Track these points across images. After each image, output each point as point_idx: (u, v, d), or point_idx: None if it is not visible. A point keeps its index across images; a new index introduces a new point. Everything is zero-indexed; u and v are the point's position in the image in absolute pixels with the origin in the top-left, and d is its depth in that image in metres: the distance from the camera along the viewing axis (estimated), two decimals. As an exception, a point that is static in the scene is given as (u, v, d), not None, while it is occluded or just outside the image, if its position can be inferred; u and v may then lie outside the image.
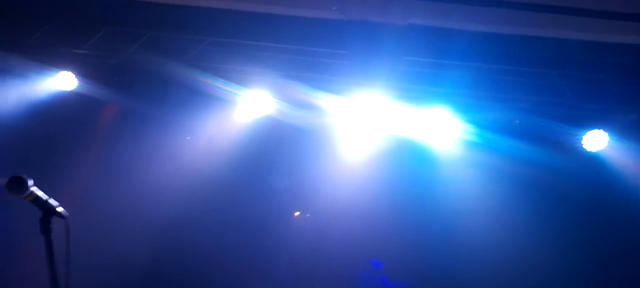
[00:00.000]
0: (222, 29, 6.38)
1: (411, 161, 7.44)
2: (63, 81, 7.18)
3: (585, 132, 7.18)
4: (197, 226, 7.41)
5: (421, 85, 6.70)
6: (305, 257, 7.73)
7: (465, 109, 6.84)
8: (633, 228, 7.46)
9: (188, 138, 7.52)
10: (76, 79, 7.17)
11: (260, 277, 7.44)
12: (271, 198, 7.72)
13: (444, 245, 7.50)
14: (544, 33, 5.58)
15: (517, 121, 7.11)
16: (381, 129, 7.17)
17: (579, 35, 5.51)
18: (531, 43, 5.75)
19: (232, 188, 7.56)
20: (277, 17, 5.85)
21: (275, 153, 7.67)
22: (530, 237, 7.50)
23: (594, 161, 7.34)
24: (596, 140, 7.17)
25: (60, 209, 2.72)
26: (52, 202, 2.70)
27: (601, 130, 7.12)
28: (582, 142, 7.22)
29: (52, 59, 7.03)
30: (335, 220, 7.75)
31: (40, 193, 2.63)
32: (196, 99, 7.04)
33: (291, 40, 6.40)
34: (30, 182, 2.55)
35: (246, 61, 6.74)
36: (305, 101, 6.97)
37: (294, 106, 7.08)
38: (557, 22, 5.43)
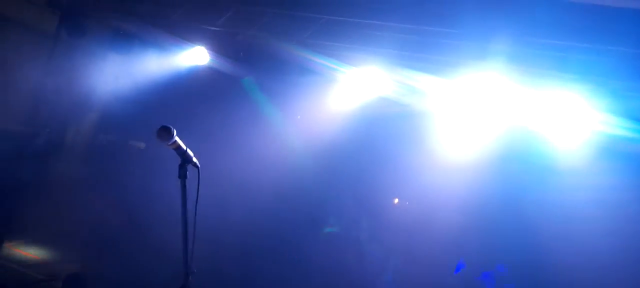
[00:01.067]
0: (337, 6, 6.36)
1: (529, 155, 6.71)
2: (198, 55, 7.80)
3: None
4: (301, 202, 7.54)
5: (547, 68, 5.98)
6: (400, 246, 7.44)
7: (602, 95, 5.96)
8: None
9: (299, 116, 7.69)
10: (208, 54, 7.75)
11: (353, 256, 7.35)
12: (373, 182, 7.57)
13: (563, 255, 6.66)
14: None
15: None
16: (497, 116, 6.58)
17: None
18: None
19: (337, 168, 7.56)
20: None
21: (382, 136, 7.49)
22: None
23: None
24: None
25: (195, 159, 3.19)
26: (190, 152, 3.17)
27: None
28: None
29: (190, 34, 7.66)
30: (437, 212, 7.33)
31: (181, 143, 3.10)
32: (309, 76, 7.16)
33: (406, 19, 6.14)
34: (174, 132, 3.04)
35: (360, 40, 6.66)
36: (416, 84, 6.68)
37: (404, 88, 6.82)
38: None
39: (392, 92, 6.89)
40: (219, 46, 7.64)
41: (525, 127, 6.46)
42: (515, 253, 6.87)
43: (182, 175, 3.11)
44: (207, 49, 7.72)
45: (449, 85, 6.44)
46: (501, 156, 6.73)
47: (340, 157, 7.49)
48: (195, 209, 3.12)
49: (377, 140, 7.48)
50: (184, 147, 3.11)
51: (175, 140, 3.04)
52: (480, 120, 6.69)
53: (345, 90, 7.16)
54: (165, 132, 3.00)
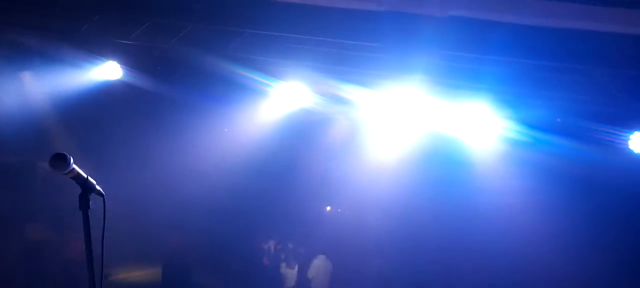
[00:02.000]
0: (260, 21, 6.29)
1: (446, 159, 7.15)
2: (109, 70, 7.31)
3: (632, 132, 6.72)
4: (227, 216, 7.41)
5: (460, 79, 6.40)
6: (332, 251, 7.58)
7: (505, 105, 6.50)
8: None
9: (226, 130, 7.52)
10: (121, 69, 7.29)
11: (286, 266, 7.35)
12: (302, 191, 7.62)
13: (479, 244, 7.19)
14: (588, 26, 5.20)
15: (558, 119, 6.72)
16: (416, 125, 6.93)
17: (624, 29, 5.10)
18: (575, 37, 5.36)
19: (263, 180, 7.51)
20: (314, 8, 5.68)
21: (308, 146, 7.56)
22: (569, 238, 7.10)
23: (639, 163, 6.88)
24: (643, 142, 6.70)
25: (98, 188, 2.83)
26: (91, 180, 2.81)
27: (649, 131, 6.65)
28: (628, 143, 6.77)
29: (100, 49, 7.17)
30: (365, 218, 7.57)
31: (80, 171, 2.73)
32: (233, 90, 7.02)
33: (328, 33, 6.23)
34: (71, 160, 2.65)
35: (283, 53, 6.66)
36: (339, 95, 6.82)
37: (328, 99, 6.94)
38: (603, 15, 5.05)
39: (318, 103, 6.96)
40: (133, 60, 7.22)
41: (443, 133, 6.85)
42: (437, 252, 7.27)
43: (84, 206, 2.77)
44: (120, 63, 7.26)
45: (373, 96, 6.65)
46: (422, 161, 7.10)
47: (270, 168, 7.43)
48: (102, 244, 2.78)
49: (304, 150, 7.54)
50: (84, 175, 2.77)
51: (73, 168, 2.69)
52: (401, 128, 6.99)
53: (271, 102, 7.12)
54: (59, 160, 2.61)
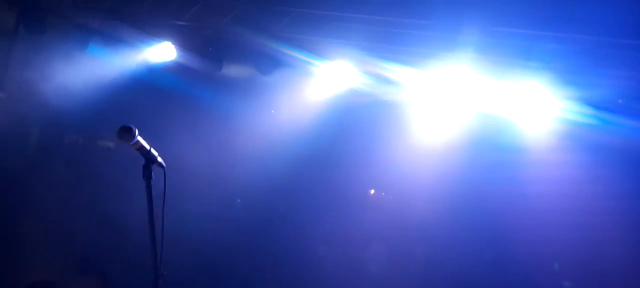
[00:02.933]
0: (307, 0, 6.30)
1: (497, 142, 6.85)
2: (164, 51, 7.53)
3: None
4: (273, 195, 7.46)
5: (512, 57, 6.10)
6: (376, 234, 7.49)
7: (561, 83, 6.13)
8: None
9: (272, 111, 7.57)
10: (175, 49, 7.49)
11: (329, 247, 7.33)
12: (348, 173, 7.56)
13: (529, 233, 6.85)
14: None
15: (621, 100, 6.27)
16: (466, 106, 6.68)
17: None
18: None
19: (309, 161, 7.50)
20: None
21: (354, 128, 7.48)
22: (627, 229, 6.62)
23: None
24: None
25: (160, 159, 3.00)
26: (154, 152, 2.98)
27: None
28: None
29: (156, 30, 7.39)
30: (411, 202, 7.41)
31: (144, 143, 2.91)
32: (281, 70, 7.05)
33: (375, 10, 6.13)
34: (136, 132, 2.83)
35: (330, 32, 6.61)
36: (387, 75, 6.69)
37: (375, 80, 6.83)
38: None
39: (364, 83, 6.87)
40: (186, 41, 7.41)
41: (494, 115, 6.57)
42: (485, 238, 7.01)
43: (147, 176, 2.95)
44: (174, 44, 7.47)
45: (420, 75, 6.48)
46: (472, 144, 6.84)
47: (315, 150, 7.43)
48: (162, 211, 2.98)
49: (351, 132, 7.49)
50: (147, 146, 2.94)
51: (138, 140, 2.87)
52: (450, 109, 6.77)
53: (318, 82, 7.11)
54: (126, 132, 2.82)
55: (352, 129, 7.44)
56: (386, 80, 6.71)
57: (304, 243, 7.38)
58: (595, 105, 6.29)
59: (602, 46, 5.76)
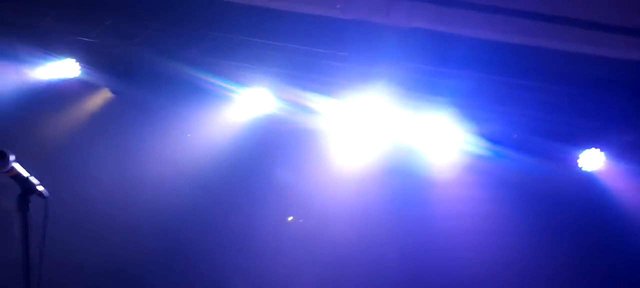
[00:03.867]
0: (223, 24, 6.23)
1: (408, 170, 7.20)
2: (66, 68, 7.02)
3: (582, 151, 6.96)
4: (186, 223, 7.17)
5: (422, 91, 6.50)
6: (294, 262, 7.47)
7: (465, 118, 6.62)
8: (624, 250, 7.23)
9: (188, 135, 7.33)
10: (79, 67, 7.02)
11: (245, 279, 7.16)
12: (264, 201, 7.49)
13: (438, 253, 7.24)
14: (548, 44, 5.39)
15: (515, 135, 6.90)
16: (379, 136, 6.97)
17: (578, 49, 5.31)
18: (534, 54, 5.56)
19: (224, 188, 7.33)
20: (279, 13, 5.68)
21: (272, 154, 7.46)
22: (521, 252, 7.25)
23: (589, 181, 7.12)
24: (592, 160, 6.95)
25: (41, 188, 2.65)
26: (33, 180, 2.63)
27: (598, 150, 6.91)
28: (579, 161, 7.01)
29: (58, 46, 6.89)
30: (328, 227, 7.50)
31: (21, 169, 2.57)
32: (195, 95, 6.87)
33: (292, 39, 6.23)
34: (12, 157, 2.49)
35: (247, 58, 6.59)
36: (304, 103, 6.79)
37: (292, 107, 6.89)
38: (563, 34, 5.24)
39: (282, 110, 6.90)
40: (92, 59, 6.97)
41: (406, 145, 6.90)
42: (404, 268, 7.25)
43: (23, 208, 2.59)
44: (78, 61, 6.98)
45: (337, 105, 6.65)
46: (386, 173, 7.10)
47: (232, 177, 7.27)
48: (41, 249, 2.62)
49: (269, 159, 7.41)
50: (25, 174, 2.60)
51: (12, 167, 2.54)
52: (364, 138, 7.00)
53: (235, 109, 7.00)
54: None
55: (269, 155, 7.39)
56: (304, 108, 6.80)
57: (217, 272, 7.12)
58: (492, 139, 6.86)
59: (496, 85, 6.34)
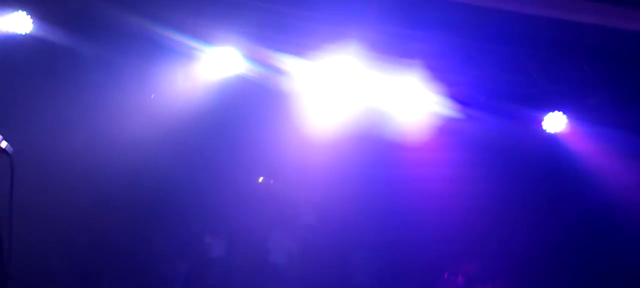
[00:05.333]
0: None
1: (378, 131, 7.62)
2: (18, 22, 6.98)
3: (546, 113, 7.55)
4: (155, 183, 7.40)
5: (392, 53, 6.88)
6: (264, 222, 7.87)
7: (434, 79, 7.07)
8: (586, 212, 7.93)
9: (152, 95, 7.47)
10: (31, 21, 6.99)
11: (215, 237, 7.52)
12: (233, 162, 7.78)
13: (409, 214, 7.77)
14: (513, 8, 5.83)
15: (482, 98, 7.42)
16: (349, 97, 7.32)
17: (547, 13, 5.77)
18: (500, 17, 5.99)
19: (193, 148, 7.57)
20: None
21: (240, 114, 7.72)
22: (488, 212, 7.88)
23: (553, 143, 7.73)
24: (556, 122, 7.55)
25: (4, 144, 2.71)
26: None
27: (560, 113, 7.51)
28: (543, 123, 7.60)
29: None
30: (298, 189, 7.90)
31: None
32: (160, 53, 6.99)
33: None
34: None
35: (215, 16, 6.74)
36: (273, 63, 7.04)
37: (261, 67, 7.14)
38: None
39: (251, 71, 7.15)
40: (46, 13, 6.96)
41: (376, 106, 7.32)
42: (374, 230, 7.75)
43: None
44: (30, 14, 6.96)
45: (308, 66, 6.95)
46: (357, 135, 7.49)
47: (200, 138, 7.51)
48: (10, 207, 2.65)
49: (237, 119, 7.68)
50: None
51: None
52: (334, 99, 7.36)
53: (202, 68, 7.19)
54: None
55: (238, 116, 7.65)
56: (273, 69, 7.06)
57: (186, 231, 7.45)
58: (460, 100, 7.38)
59: (464, 47, 6.79)
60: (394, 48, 6.84)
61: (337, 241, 7.91)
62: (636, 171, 7.54)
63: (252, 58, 7.07)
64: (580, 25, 5.91)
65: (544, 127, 7.60)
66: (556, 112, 7.49)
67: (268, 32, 6.76)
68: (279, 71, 7.07)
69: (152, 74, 7.19)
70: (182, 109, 7.29)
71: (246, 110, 7.65)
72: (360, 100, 7.29)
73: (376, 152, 7.63)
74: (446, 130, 7.52)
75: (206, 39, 6.92)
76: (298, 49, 6.93)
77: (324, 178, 7.63)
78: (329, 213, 7.79)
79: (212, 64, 7.19)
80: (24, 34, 7.00)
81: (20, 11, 6.94)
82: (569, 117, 7.50)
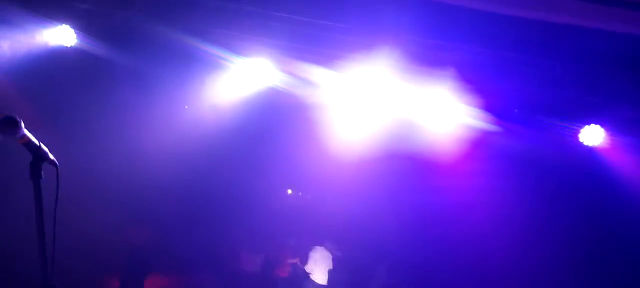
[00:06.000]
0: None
1: (409, 143, 7.51)
2: (62, 35, 7.22)
3: (583, 126, 7.31)
4: (188, 193, 7.49)
5: (423, 64, 6.79)
6: (293, 233, 7.84)
7: (465, 92, 6.94)
8: (625, 226, 7.62)
9: (186, 107, 7.59)
10: (75, 34, 7.22)
11: (245, 246, 7.53)
12: (263, 173, 7.80)
13: (440, 226, 7.62)
14: (549, 18, 5.67)
15: (516, 110, 7.23)
16: (380, 110, 7.26)
17: (583, 22, 5.60)
18: (534, 27, 5.84)
19: (225, 159, 7.63)
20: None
21: (272, 126, 7.76)
22: (522, 227, 7.65)
23: (590, 156, 7.47)
24: (593, 135, 7.30)
25: (51, 156, 2.79)
26: (44, 148, 2.76)
27: (598, 126, 7.25)
28: (580, 136, 7.36)
29: (52, 11, 7.07)
30: (327, 201, 7.85)
31: (32, 137, 2.69)
32: (196, 65, 7.11)
33: (293, 9, 6.47)
34: (22, 124, 2.61)
35: (248, 28, 6.82)
36: (304, 75, 7.05)
37: (292, 79, 7.16)
38: (564, 8, 5.51)
39: (283, 83, 7.18)
40: (89, 26, 7.18)
41: (409, 119, 7.22)
42: (401, 246, 7.63)
43: (35, 175, 2.70)
44: (74, 28, 7.20)
45: (337, 77, 6.93)
46: (387, 147, 7.41)
47: (232, 148, 7.58)
48: (54, 215, 2.73)
49: (268, 131, 7.72)
50: (36, 141, 2.71)
51: (25, 134, 2.63)
52: (368, 113, 7.30)
53: (235, 80, 7.26)
54: (9, 124, 2.55)
55: (270, 128, 7.70)
56: (304, 81, 7.07)
57: (220, 244, 7.50)
58: (494, 113, 7.20)
59: (497, 59, 6.63)
60: (426, 58, 6.75)
61: (364, 252, 7.81)
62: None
63: (283, 70, 7.10)
64: (619, 35, 5.70)
65: (581, 140, 7.35)
66: (593, 125, 7.24)
67: (299, 43, 6.79)
68: (309, 82, 7.07)
69: (186, 85, 7.30)
70: (216, 120, 7.38)
71: (279, 122, 7.68)
72: (391, 112, 7.21)
73: (407, 164, 7.52)
74: (479, 143, 7.35)
75: (239, 51, 7.00)
76: (328, 60, 6.93)
77: (353, 191, 7.56)
78: (356, 226, 7.70)
79: (245, 76, 7.25)
80: (68, 46, 7.24)
81: (64, 25, 7.18)
82: (606, 130, 7.24)
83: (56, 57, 7.28)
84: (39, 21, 7.11)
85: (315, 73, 7.00)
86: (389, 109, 7.22)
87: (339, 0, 6.09)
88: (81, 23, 7.16)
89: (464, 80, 6.90)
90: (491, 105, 7.07)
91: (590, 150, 7.39)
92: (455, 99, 7.01)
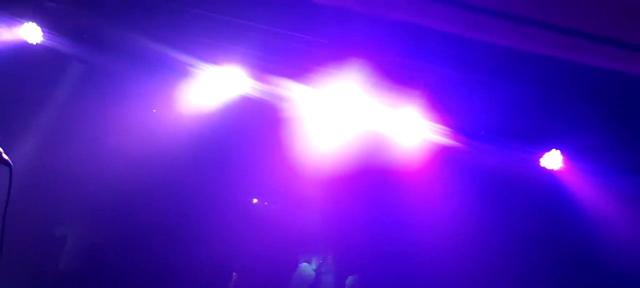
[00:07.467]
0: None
1: (378, 158, 7.42)
2: (29, 32, 6.89)
3: (544, 151, 7.35)
4: (153, 198, 7.21)
5: (393, 82, 6.71)
6: (257, 244, 7.63)
7: (434, 110, 6.89)
8: (581, 247, 7.71)
9: (154, 110, 7.33)
10: (41, 31, 6.90)
11: (207, 257, 7.28)
12: (229, 183, 7.58)
13: (404, 238, 7.55)
14: (518, 45, 5.67)
15: (482, 132, 7.23)
16: (350, 124, 7.17)
17: (551, 52, 5.62)
18: (505, 54, 5.83)
19: (189, 168, 7.39)
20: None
21: (241, 135, 7.56)
22: (483, 245, 7.64)
23: (550, 180, 7.53)
24: (553, 160, 7.36)
25: (5, 156, 2.71)
26: None
27: (558, 151, 7.32)
28: (541, 160, 7.40)
29: (20, 9, 6.76)
30: (293, 212, 7.68)
31: None
32: (164, 70, 6.87)
33: (267, 20, 6.30)
34: None
35: (219, 36, 6.62)
36: (275, 86, 6.89)
37: (263, 90, 6.99)
38: (533, 37, 5.52)
39: (252, 92, 6.99)
40: (56, 25, 6.86)
41: (376, 133, 7.13)
42: (370, 259, 7.52)
43: None
44: (41, 26, 6.87)
45: (309, 90, 6.79)
46: (355, 160, 7.30)
47: (198, 156, 7.32)
48: (4, 216, 2.67)
49: (235, 140, 7.51)
50: None
51: None
52: (335, 125, 7.19)
53: (205, 87, 7.03)
54: None
55: (237, 136, 7.49)
56: (275, 92, 6.91)
57: (179, 250, 7.21)
58: (461, 132, 7.17)
59: (466, 81, 6.61)
60: (396, 76, 6.67)
61: (331, 266, 7.65)
62: (629, 210, 7.33)
63: (254, 80, 6.91)
64: (581, 66, 5.74)
65: (541, 164, 7.39)
66: (553, 150, 7.30)
67: (271, 55, 6.62)
68: (280, 94, 6.91)
69: (154, 90, 7.03)
70: (182, 128, 7.13)
71: (247, 131, 7.48)
72: (361, 126, 7.11)
73: (376, 178, 7.42)
74: (445, 160, 7.31)
75: (209, 59, 6.78)
76: (300, 72, 6.78)
77: (320, 204, 7.41)
78: (324, 238, 7.54)
79: (216, 83, 7.03)
80: (34, 44, 6.91)
81: (31, 22, 6.85)
82: (565, 156, 7.31)
83: (21, 55, 6.92)
84: (5, 18, 6.77)
85: (286, 84, 6.84)
86: (358, 124, 7.12)
87: (312, 14, 5.95)
88: (48, 21, 6.83)
89: (433, 99, 6.86)
90: (458, 124, 7.05)
91: (550, 174, 7.45)
92: (424, 117, 6.95)
